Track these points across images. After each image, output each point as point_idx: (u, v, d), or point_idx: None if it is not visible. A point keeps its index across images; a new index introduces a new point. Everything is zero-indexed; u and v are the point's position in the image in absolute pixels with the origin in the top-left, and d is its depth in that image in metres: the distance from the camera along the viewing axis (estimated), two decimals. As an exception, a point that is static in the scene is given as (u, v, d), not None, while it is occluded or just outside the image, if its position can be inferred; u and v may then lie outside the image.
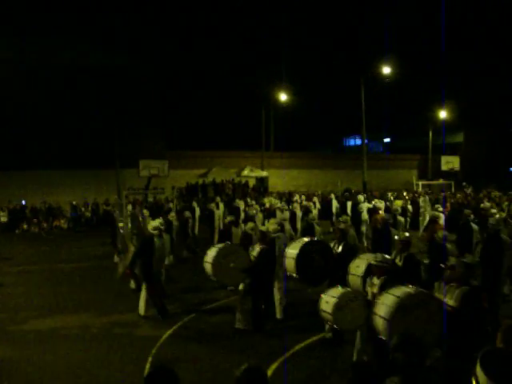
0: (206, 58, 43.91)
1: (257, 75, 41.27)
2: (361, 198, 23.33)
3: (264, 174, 40.70)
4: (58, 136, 34.45)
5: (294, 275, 9.81)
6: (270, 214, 19.75)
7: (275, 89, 41.96)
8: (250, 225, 13.10)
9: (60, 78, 34.60)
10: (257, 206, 22.86)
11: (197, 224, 23.56)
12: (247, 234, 12.43)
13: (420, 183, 41.14)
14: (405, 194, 30.10)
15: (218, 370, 8.30)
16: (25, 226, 30.57)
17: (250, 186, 39.36)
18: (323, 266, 9.71)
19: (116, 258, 16.61)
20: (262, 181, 40.69)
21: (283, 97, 42.61)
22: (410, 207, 23.98)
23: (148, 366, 8.57)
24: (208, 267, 10.67)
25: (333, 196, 27.25)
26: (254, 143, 43.71)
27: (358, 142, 60.57)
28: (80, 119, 34.68)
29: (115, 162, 36.16)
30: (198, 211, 24.65)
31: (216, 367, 8.46)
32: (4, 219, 30.36)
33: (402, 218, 16.92)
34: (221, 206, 24.01)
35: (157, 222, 12.42)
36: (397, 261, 9.30)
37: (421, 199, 26.35)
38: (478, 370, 3.16)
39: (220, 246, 11.02)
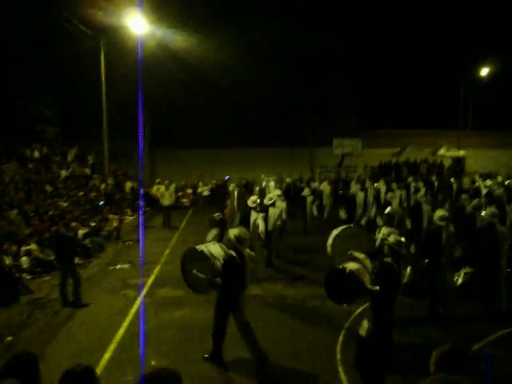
0: (399, 32, 42.57)
1: (455, 49, 39.20)
2: None
3: (461, 153, 38.74)
4: (257, 115, 35.99)
5: None
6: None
7: (475, 63, 39.65)
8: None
9: (260, 59, 35.94)
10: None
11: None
12: None
13: None
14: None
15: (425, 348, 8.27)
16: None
17: (446, 166, 37.79)
18: None
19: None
20: (458, 161, 38.79)
21: (484, 71, 40.13)
22: None
23: (341, 338, 8.81)
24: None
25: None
26: (451, 121, 41.74)
27: None
28: (278, 99, 35.85)
29: (309, 141, 36.99)
30: (383, 191, 24.43)
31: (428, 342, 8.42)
32: (206, 193, 32.59)
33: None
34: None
35: (253, 198, 13.89)
36: None
37: None
38: None
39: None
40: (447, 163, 38.38)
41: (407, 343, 8.67)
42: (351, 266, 7.82)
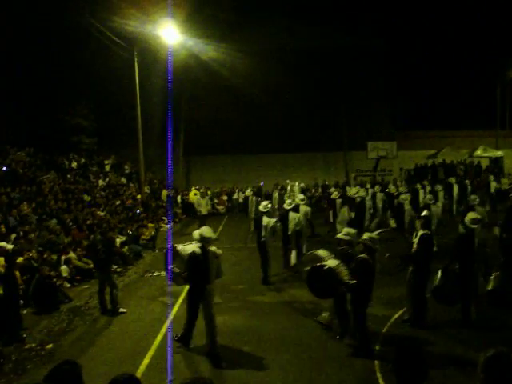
0: (434, 33, 42.03)
1: (491, 49, 38.54)
2: None
3: (499, 153, 38.00)
4: (290, 120, 35.94)
5: None
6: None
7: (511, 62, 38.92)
8: None
9: (292, 64, 35.90)
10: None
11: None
12: None
13: None
14: None
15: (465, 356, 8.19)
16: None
17: (483, 167, 37.13)
18: None
19: None
20: (496, 161, 38.07)
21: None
22: None
23: (378, 347, 8.72)
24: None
25: None
26: (488, 121, 40.99)
27: None
28: (310, 103, 35.76)
29: (343, 145, 36.81)
30: (421, 194, 24.06)
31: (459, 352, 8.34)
32: (241, 200, 32.65)
33: None
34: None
35: (265, 203, 14.13)
36: None
37: None
38: None
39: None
40: (485, 164, 37.72)
41: (443, 346, 8.60)
42: (330, 263, 8.68)
